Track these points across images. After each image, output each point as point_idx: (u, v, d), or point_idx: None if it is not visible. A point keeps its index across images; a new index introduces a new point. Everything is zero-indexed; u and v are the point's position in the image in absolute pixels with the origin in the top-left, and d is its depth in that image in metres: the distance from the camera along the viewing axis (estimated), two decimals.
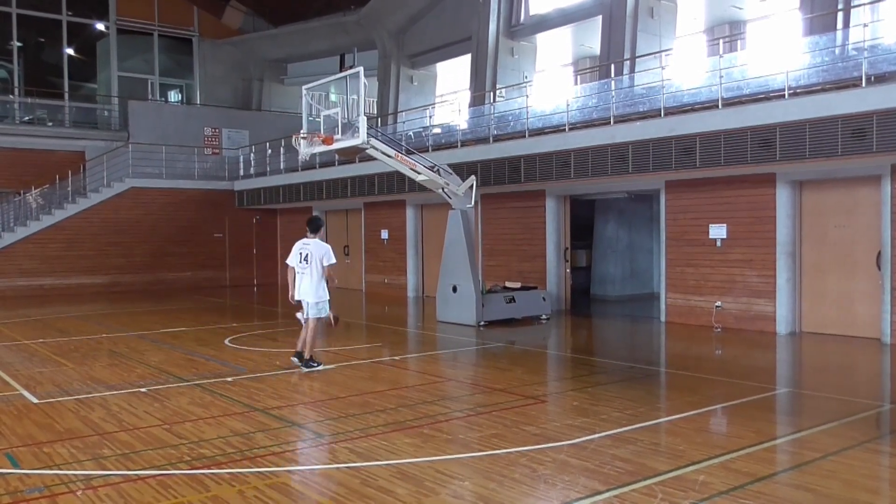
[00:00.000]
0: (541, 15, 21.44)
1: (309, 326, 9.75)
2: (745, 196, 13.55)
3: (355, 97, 13.15)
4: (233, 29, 31.47)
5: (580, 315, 16.84)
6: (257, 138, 27.69)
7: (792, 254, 13.12)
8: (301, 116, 14.61)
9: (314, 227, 9.90)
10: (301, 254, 9.73)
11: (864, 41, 11.37)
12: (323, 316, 9.83)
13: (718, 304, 13.93)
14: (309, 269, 9.64)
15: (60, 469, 5.80)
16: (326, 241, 10.15)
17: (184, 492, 5.27)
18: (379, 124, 23.07)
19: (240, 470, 5.81)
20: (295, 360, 9.97)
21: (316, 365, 9.87)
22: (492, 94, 20.60)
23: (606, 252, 20.00)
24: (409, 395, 8.52)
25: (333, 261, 9.73)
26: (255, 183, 26.02)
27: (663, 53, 15.94)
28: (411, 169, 14.01)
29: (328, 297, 9.84)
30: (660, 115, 13.50)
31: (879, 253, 12.00)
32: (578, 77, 21.64)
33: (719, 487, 5.23)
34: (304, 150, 13.69)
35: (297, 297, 9.75)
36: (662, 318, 14.98)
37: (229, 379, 9.46)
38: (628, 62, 17.58)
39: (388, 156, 13.84)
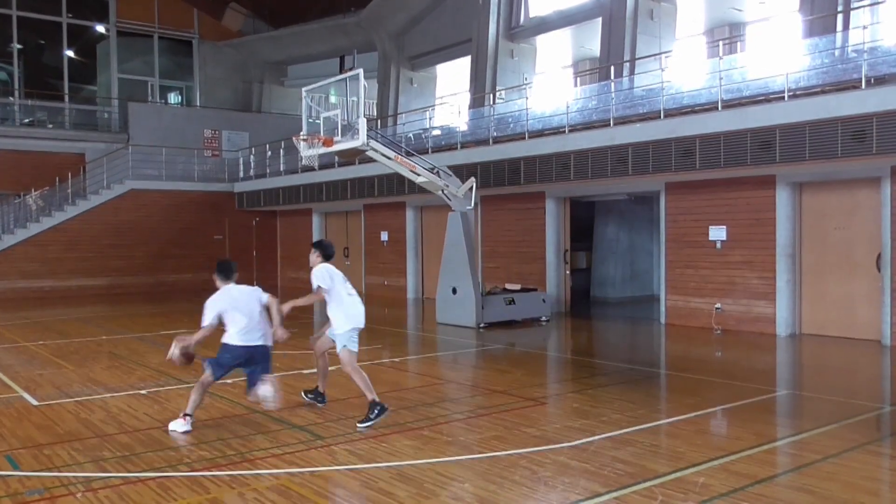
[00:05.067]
0: (540, 17, 21.44)
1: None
2: (745, 198, 13.56)
3: (355, 99, 13.16)
4: (233, 31, 31.49)
5: (580, 317, 16.83)
6: (257, 140, 27.70)
7: (792, 255, 13.12)
8: (301, 118, 14.63)
9: (329, 253, 7.94)
10: (342, 276, 7.72)
11: (864, 43, 11.38)
12: None
13: (718, 305, 13.93)
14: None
15: (60, 471, 5.80)
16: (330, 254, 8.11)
17: (183, 494, 5.27)
18: (379, 126, 23.07)
19: (239, 472, 5.81)
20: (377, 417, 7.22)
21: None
22: (492, 95, 20.59)
23: (606, 254, 20.00)
24: (408, 397, 8.52)
25: None
26: (254, 185, 26.02)
27: (663, 55, 15.95)
28: (411, 171, 14.01)
29: None
30: (660, 116, 13.50)
31: (879, 255, 12.00)
32: (578, 79, 21.63)
33: (719, 489, 5.22)
34: (305, 152, 13.71)
35: (362, 325, 7.57)
36: (662, 320, 14.98)
37: (229, 381, 9.45)
38: (628, 64, 17.58)
39: (388, 157, 13.84)
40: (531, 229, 17.77)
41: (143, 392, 8.75)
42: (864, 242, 12.38)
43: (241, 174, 27.00)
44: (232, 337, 7.21)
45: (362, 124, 13.00)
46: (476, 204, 15.26)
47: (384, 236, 22.66)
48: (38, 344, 12.87)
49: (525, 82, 20.91)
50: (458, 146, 18.12)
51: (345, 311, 7.46)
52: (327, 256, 7.86)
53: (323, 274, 7.55)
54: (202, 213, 26.00)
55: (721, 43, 15.81)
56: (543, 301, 15.60)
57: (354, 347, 7.44)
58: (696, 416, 7.44)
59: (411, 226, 21.75)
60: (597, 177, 14.57)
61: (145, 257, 24.86)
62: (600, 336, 14.76)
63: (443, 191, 14.48)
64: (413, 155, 14.75)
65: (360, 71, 13.04)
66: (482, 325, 14.33)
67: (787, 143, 11.52)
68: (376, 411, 7.09)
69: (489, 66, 22.01)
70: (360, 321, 7.50)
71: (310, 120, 14.52)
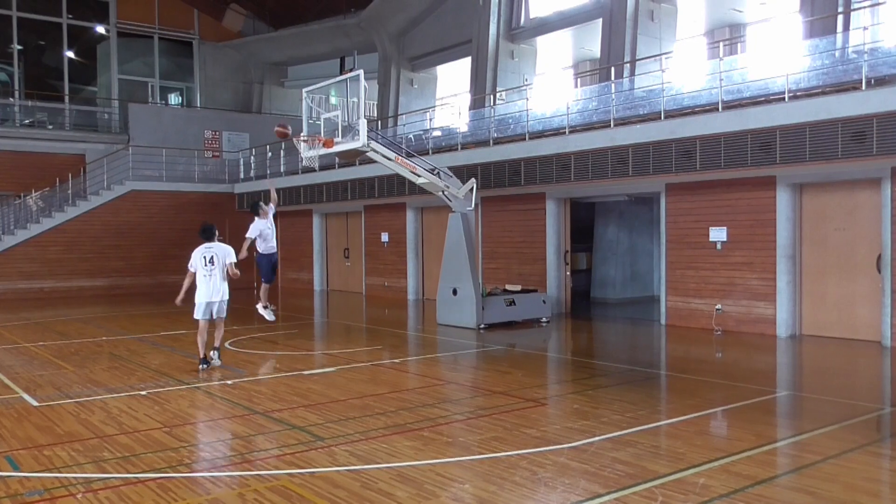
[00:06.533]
0: (541, 18, 21.46)
1: (222, 324, 10.45)
2: (745, 199, 13.55)
3: (355, 100, 13.17)
4: (233, 32, 31.51)
5: (580, 318, 16.83)
6: (257, 141, 27.71)
7: (792, 257, 13.12)
8: (301, 119, 14.63)
9: (209, 234, 10.33)
10: (206, 257, 10.10)
11: (864, 44, 11.40)
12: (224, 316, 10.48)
13: (719, 306, 13.92)
14: (216, 270, 10.11)
15: (60, 472, 5.80)
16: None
17: (184, 495, 5.27)
18: (379, 127, 23.08)
19: (240, 473, 5.81)
20: (215, 359, 10.38)
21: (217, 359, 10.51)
22: (492, 96, 20.61)
23: (607, 255, 19.99)
24: (409, 398, 8.52)
25: (234, 259, 10.34)
26: (255, 186, 26.00)
27: (663, 56, 15.96)
28: (411, 172, 14.01)
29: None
30: (660, 117, 13.51)
31: (879, 256, 12.00)
32: (578, 80, 21.65)
33: (720, 490, 5.22)
34: (306, 153, 13.73)
35: (207, 299, 10.12)
36: (663, 321, 14.98)
37: (229, 382, 9.46)
38: (628, 65, 17.59)
39: (389, 158, 13.84)
40: (531, 230, 17.76)
41: (143, 393, 8.75)
42: (864, 243, 12.38)
43: (242, 175, 27.02)
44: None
45: (363, 125, 13.00)
46: (476, 205, 15.25)
47: (385, 237, 22.66)
48: (39, 345, 12.88)
49: (525, 83, 20.93)
50: (459, 147, 18.13)
51: (198, 287, 10.15)
52: (206, 238, 10.34)
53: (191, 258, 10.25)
54: (202, 213, 25.88)
55: (721, 44, 15.82)
56: (544, 302, 15.60)
57: (198, 316, 10.15)
58: (696, 417, 7.44)
59: (412, 227, 21.75)
60: (597, 178, 14.58)
61: (145, 258, 24.86)
62: (600, 337, 14.76)
63: (443, 192, 14.48)
64: (413, 156, 14.76)
65: (361, 72, 13.05)
66: (482, 326, 14.33)
67: (787, 144, 11.53)
68: (204, 365, 10.19)
69: (489, 67, 22.02)
70: (204, 297, 10.12)
71: (310, 121, 14.53)
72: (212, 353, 10.34)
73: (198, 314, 10.17)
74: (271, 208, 12.77)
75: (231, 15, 31.33)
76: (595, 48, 20.40)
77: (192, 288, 10.24)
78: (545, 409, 8.01)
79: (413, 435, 6.78)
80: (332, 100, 16.22)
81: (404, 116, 24.04)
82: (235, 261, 10.34)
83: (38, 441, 6.65)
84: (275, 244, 13.04)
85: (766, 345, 12.41)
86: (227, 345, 12.48)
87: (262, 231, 12.66)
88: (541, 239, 17.51)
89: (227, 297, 10.32)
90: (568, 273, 17.59)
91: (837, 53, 12.54)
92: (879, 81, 11.04)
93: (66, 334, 14.36)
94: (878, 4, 13.25)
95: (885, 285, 11.85)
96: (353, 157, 15.88)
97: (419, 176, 14.02)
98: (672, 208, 14.81)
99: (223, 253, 10.23)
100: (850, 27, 13.66)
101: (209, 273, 10.10)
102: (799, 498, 5.14)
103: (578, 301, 18.70)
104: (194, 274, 10.17)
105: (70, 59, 28.13)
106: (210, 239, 10.32)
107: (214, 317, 10.22)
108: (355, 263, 24.28)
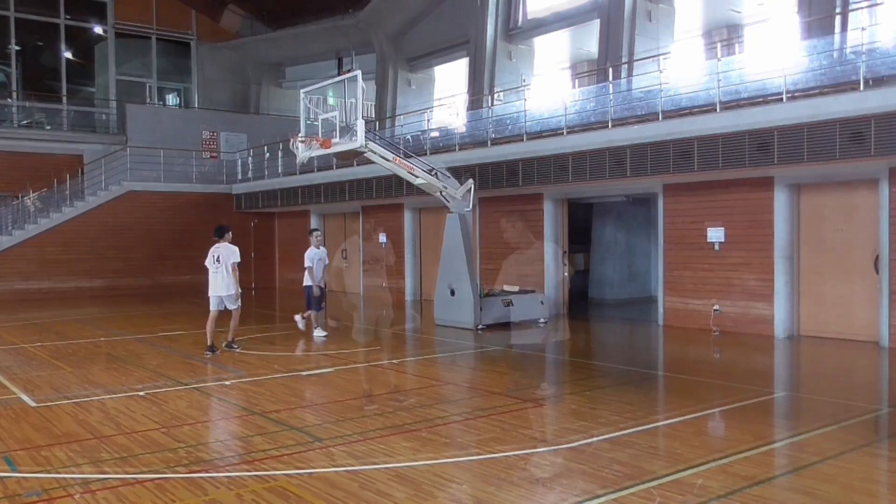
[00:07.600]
0: (538, 18, 21.46)
1: (236, 315, 11.76)
2: (743, 199, 13.56)
3: (353, 100, 13.17)
4: (231, 32, 31.49)
5: (578, 318, 16.83)
6: (255, 141, 27.68)
7: (790, 257, 13.13)
8: (299, 120, 14.62)
9: (219, 234, 11.61)
10: (213, 255, 11.40)
11: (862, 44, 11.39)
12: (238, 305, 11.70)
13: (716, 307, 13.93)
14: (220, 268, 11.37)
15: (58, 472, 5.79)
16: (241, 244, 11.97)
17: (182, 495, 5.26)
18: (377, 127, 23.06)
19: (238, 473, 5.80)
20: (226, 347, 11.76)
21: (235, 346, 11.98)
22: (490, 97, 20.60)
23: (604, 255, 20.00)
24: (406, 399, 8.51)
25: (237, 259, 11.46)
26: (253, 186, 26.01)
27: (661, 56, 15.93)
28: (409, 172, 14.01)
29: (239, 290, 11.58)
30: (658, 117, 13.50)
31: (877, 256, 12.01)
32: (576, 80, 21.65)
33: (717, 491, 5.23)
34: (302, 153, 13.73)
35: (214, 293, 11.46)
36: (660, 322, 14.98)
37: (227, 382, 9.46)
38: (626, 65, 17.59)
39: (386, 159, 13.84)
40: (530, 231, 17.74)
41: (140, 393, 8.74)
42: (862, 244, 12.39)
43: (240, 175, 26.99)
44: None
45: (360, 126, 13.00)
46: (474, 205, 15.23)
47: (383, 238, 22.65)
48: (36, 345, 12.86)
49: (523, 83, 20.91)
50: (457, 147, 18.11)
51: (209, 282, 11.47)
52: (217, 237, 11.57)
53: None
54: (200, 214, 25.90)
55: (719, 44, 15.82)
56: (541, 302, 15.59)
57: (211, 307, 11.49)
58: (693, 418, 7.45)
59: (409, 227, 21.74)
60: (595, 178, 14.56)
61: (143, 259, 24.82)
62: (598, 337, 14.76)
63: (441, 192, 14.47)
64: (411, 156, 14.74)
65: (359, 72, 13.05)
66: (480, 326, 14.32)
67: (785, 145, 11.53)
68: (209, 353, 11.39)
69: (487, 67, 22.01)
70: (211, 292, 11.50)
71: (308, 121, 14.53)
72: (233, 343, 11.92)
73: (210, 305, 11.54)
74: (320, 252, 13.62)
75: (229, 15, 31.31)
76: (593, 48, 20.40)
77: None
78: (543, 410, 8.02)
79: (411, 435, 6.78)
80: (330, 100, 16.26)
81: (402, 117, 24.03)
82: (237, 261, 11.44)
83: (36, 441, 6.65)
84: (313, 277, 13.41)
85: (763, 345, 12.42)
86: (224, 345, 12.49)
87: (312, 260, 13.45)
88: (539, 239, 17.50)
89: (232, 291, 11.43)
90: (566, 273, 17.58)
91: (835, 54, 12.54)
92: (877, 81, 11.03)
93: (64, 335, 14.34)
94: (876, 5, 13.26)
95: (883, 286, 11.86)
96: (351, 158, 15.89)
97: (417, 176, 14.02)
98: (670, 208, 14.82)
99: (228, 253, 11.36)
100: (848, 27, 13.67)
101: (215, 270, 11.39)
102: (797, 498, 5.15)
103: (576, 301, 18.70)
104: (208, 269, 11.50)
105: (68, 60, 28.09)
106: (220, 238, 11.53)
107: (225, 308, 11.54)
108: (353, 263, 24.28)
